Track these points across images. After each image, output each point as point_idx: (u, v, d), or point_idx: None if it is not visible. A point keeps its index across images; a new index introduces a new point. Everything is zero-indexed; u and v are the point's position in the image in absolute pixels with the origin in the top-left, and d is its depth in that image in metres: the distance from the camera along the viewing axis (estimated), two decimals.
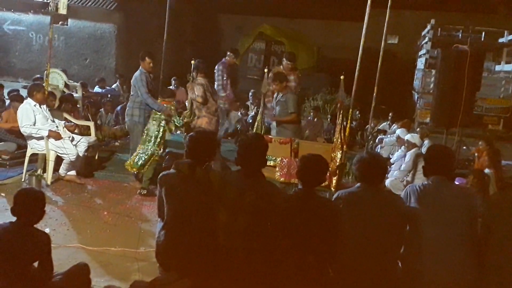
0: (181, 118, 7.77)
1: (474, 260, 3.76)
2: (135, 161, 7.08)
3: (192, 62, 7.95)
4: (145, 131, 7.26)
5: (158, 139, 7.18)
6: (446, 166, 4.03)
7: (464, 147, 9.38)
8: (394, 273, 3.79)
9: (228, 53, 9.34)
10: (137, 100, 7.56)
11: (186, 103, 11.91)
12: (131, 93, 7.79)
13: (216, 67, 8.99)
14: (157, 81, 10.74)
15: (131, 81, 7.69)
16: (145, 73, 7.56)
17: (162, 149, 7.34)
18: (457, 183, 5.97)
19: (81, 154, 7.45)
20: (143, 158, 7.06)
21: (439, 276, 3.68)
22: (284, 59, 8.67)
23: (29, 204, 3.57)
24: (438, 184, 3.93)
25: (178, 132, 9.42)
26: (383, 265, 3.72)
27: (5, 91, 10.11)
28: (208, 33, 20.76)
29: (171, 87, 13.00)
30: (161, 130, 7.21)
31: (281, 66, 8.71)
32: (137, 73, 7.58)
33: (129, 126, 7.84)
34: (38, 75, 11.34)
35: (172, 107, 7.43)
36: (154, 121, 7.23)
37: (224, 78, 9.10)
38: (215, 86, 8.21)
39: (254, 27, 19.22)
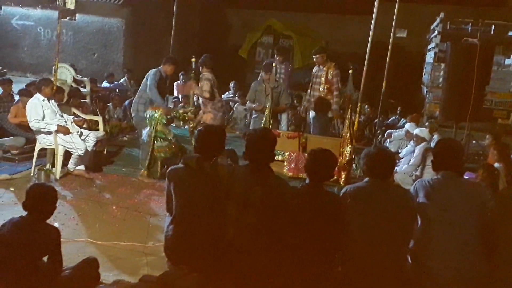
0: (177, 114, 7.86)
1: (484, 255, 3.75)
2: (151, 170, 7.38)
3: (193, 59, 7.96)
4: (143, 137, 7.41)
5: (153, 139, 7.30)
6: (456, 160, 4.00)
7: (474, 141, 9.32)
8: (403, 268, 3.77)
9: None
10: (143, 95, 7.61)
11: (179, 96, 11.98)
12: (140, 87, 7.82)
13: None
14: (169, 80, 10.79)
15: (146, 75, 7.74)
16: (162, 72, 7.64)
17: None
18: (466, 177, 5.94)
19: (89, 149, 7.46)
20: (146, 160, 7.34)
21: (449, 271, 3.67)
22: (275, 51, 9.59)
23: (41, 199, 3.58)
24: (447, 179, 3.90)
25: (186, 126, 9.43)
26: (392, 260, 3.70)
27: (13, 86, 10.08)
28: (215, 27, 20.73)
29: (179, 81, 13.03)
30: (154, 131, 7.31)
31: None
32: (154, 70, 7.66)
33: (135, 121, 7.91)
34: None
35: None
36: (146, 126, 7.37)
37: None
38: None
39: (261, 22, 19.19)
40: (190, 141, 7.90)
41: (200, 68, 7.92)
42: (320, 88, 8.69)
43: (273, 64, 8.45)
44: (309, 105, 9.05)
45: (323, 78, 8.63)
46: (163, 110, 7.33)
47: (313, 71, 8.98)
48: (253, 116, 8.94)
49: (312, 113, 8.95)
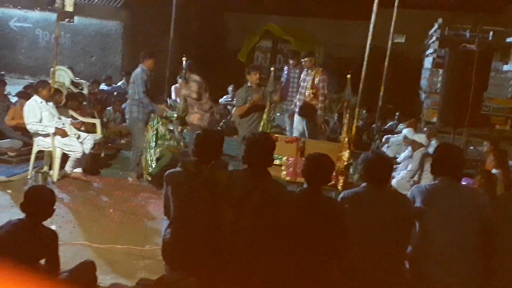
0: (174, 112, 7.87)
1: (482, 261, 3.75)
2: (149, 170, 7.34)
3: (183, 59, 7.96)
4: (146, 135, 7.39)
5: (156, 140, 7.28)
6: (455, 166, 4.00)
7: (471, 147, 9.33)
8: (401, 274, 3.77)
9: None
10: (135, 97, 7.56)
11: (178, 100, 11.99)
12: (129, 90, 7.79)
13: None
14: (163, 79, 10.75)
15: (131, 77, 7.69)
16: (146, 71, 7.56)
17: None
18: (464, 183, 5.94)
19: (87, 152, 7.45)
20: (154, 162, 7.32)
21: (446, 276, 3.67)
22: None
23: (39, 201, 3.57)
24: (445, 184, 3.91)
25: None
26: (390, 265, 3.70)
27: (7, 88, 10.01)
28: (214, 31, 20.75)
29: (177, 85, 13.02)
30: (156, 131, 7.31)
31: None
32: (138, 70, 7.57)
33: (128, 123, 7.84)
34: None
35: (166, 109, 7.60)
36: (150, 125, 7.37)
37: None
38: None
39: (260, 26, 19.20)
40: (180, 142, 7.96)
41: (187, 72, 7.95)
42: (306, 93, 8.57)
43: (272, 69, 8.38)
44: (295, 108, 9.01)
45: (309, 83, 8.52)
46: (157, 113, 7.39)
47: (302, 75, 8.92)
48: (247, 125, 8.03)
49: (296, 117, 8.88)
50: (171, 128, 7.70)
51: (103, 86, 13.29)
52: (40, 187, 3.92)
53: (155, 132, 7.38)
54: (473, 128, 7.94)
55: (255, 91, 7.56)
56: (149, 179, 7.41)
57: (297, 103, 8.83)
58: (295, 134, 8.57)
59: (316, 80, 8.45)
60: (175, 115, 7.99)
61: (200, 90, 7.70)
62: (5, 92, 9.62)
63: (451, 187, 3.90)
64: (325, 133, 9.07)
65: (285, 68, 9.93)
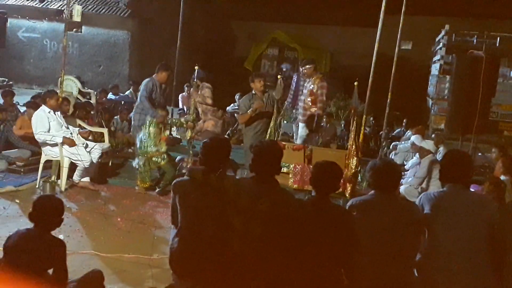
0: (181, 119, 7.89)
1: (490, 268, 3.72)
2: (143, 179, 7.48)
3: (196, 67, 8.00)
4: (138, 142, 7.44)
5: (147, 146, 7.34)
6: (463, 172, 3.97)
7: (479, 154, 9.29)
8: (409, 282, 3.75)
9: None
10: (139, 105, 7.64)
11: (184, 108, 12.01)
12: (137, 99, 7.88)
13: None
14: (170, 88, 10.79)
15: (140, 86, 7.80)
16: (154, 81, 7.64)
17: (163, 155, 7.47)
18: (472, 190, 5.91)
19: (95, 161, 7.47)
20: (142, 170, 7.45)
21: (455, 284, 3.64)
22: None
23: (48, 211, 3.58)
24: (454, 191, 3.88)
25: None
26: (398, 273, 3.68)
27: (15, 98, 10.07)
28: (221, 40, 20.84)
29: (184, 93, 13.07)
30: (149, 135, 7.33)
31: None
32: (147, 80, 7.69)
33: (132, 131, 7.96)
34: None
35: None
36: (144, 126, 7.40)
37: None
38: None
39: (266, 34, 19.26)
40: (188, 150, 7.95)
41: (198, 80, 8.00)
42: (306, 100, 8.43)
43: (279, 77, 8.39)
44: (297, 115, 8.95)
45: (309, 90, 8.39)
46: (157, 119, 7.43)
47: (305, 83, 8.83)
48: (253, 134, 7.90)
49: (300, 125, 8.80)
50: (172, 134, 7.70)
51: (110, 96, 13.34)
52: (49, 197, 3.92)
53: (146, 134, 7.38)
54: (481, 135, 7.91)
55: (258, 98, 7.53)
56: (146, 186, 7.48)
57: (299, 110, 8.79)
58: (299, 141, 8.54)
59: (316, 87, 8.32)
60: (184, 122, 8.02)
61: (213, 97, 7.77)
62: (13, 102, 9.68)
63: (459, 194, 3.88)
64: (318, 140, 8.91)
65: (294, 75, 9.91)
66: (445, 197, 3.88)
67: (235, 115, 12.55)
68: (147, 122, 7.43)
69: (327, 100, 8.79)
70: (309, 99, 8.33)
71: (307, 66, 8.51)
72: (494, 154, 8.00)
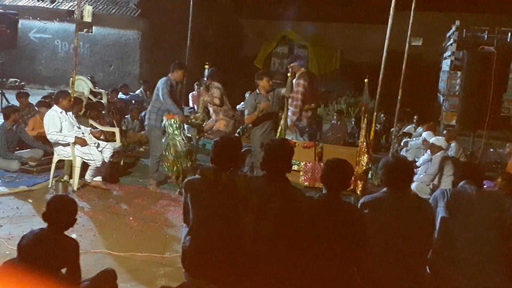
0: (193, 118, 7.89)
1: (504, 265, 3.70)
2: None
3: (206, 66, 7.99)
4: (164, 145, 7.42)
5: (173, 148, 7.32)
6: (475, 171, 3.98)
7: (491, 150, 9.24)
8: (422, 279, 3.74)
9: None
10: (156, 104, 7.58)
11: (195, 107, 12.01)
12: (153, 97, 7.83)
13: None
14: (181, 86, 10.82)
15: (157, 84, 7.72)
16: (172, 80, 7.60)
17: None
18: (485, 186, 5.88)
19: (106, 160, 7.50)
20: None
21: (468, 281, 3.63)
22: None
23: (62, 211, 3.60)
24: (467, 189, 3.87)
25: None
26: (411, 271, 3.67)
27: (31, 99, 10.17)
28: (231, 38, 20.85)
29: (194, 92, 13.10)
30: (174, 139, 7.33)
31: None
32: (164, 78, 7.64)
33: (147, 130, 7.89)
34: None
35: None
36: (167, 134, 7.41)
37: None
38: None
39: (276, 32, 19.25)
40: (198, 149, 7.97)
41: (209, 80, 7.97)
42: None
43: (289, 74, 8.34)
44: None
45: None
46: (179, 118, 7.35)
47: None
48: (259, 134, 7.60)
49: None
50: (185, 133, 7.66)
51: (120, 95, 13.38)
52: (63, 197, 3.94)
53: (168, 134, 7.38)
54: (493, 131, 7.87)
55: (264, 97, 7.39)
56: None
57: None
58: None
59: (295, 82, 8.07)
60: (196, 121, 8.03)
61: (222, 96, 7.74)
62: (29, 102, 9.76)
63: (472, 191, 3.87)
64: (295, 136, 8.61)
65: None
66: (458, 194, 3.87)
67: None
68: (166, 122, 7.35)
69: (337, 97, 8.71)
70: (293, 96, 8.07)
71: (292, 64, 8.28)
72: (507, 150, 7.97)
